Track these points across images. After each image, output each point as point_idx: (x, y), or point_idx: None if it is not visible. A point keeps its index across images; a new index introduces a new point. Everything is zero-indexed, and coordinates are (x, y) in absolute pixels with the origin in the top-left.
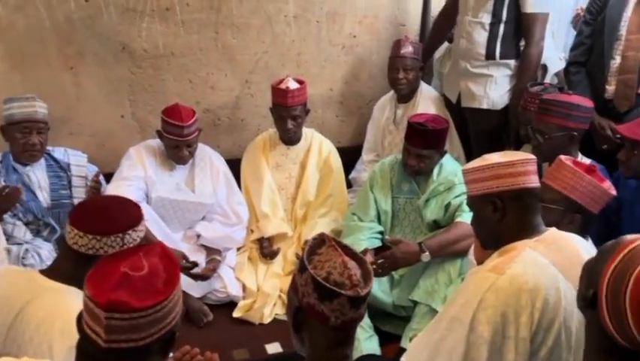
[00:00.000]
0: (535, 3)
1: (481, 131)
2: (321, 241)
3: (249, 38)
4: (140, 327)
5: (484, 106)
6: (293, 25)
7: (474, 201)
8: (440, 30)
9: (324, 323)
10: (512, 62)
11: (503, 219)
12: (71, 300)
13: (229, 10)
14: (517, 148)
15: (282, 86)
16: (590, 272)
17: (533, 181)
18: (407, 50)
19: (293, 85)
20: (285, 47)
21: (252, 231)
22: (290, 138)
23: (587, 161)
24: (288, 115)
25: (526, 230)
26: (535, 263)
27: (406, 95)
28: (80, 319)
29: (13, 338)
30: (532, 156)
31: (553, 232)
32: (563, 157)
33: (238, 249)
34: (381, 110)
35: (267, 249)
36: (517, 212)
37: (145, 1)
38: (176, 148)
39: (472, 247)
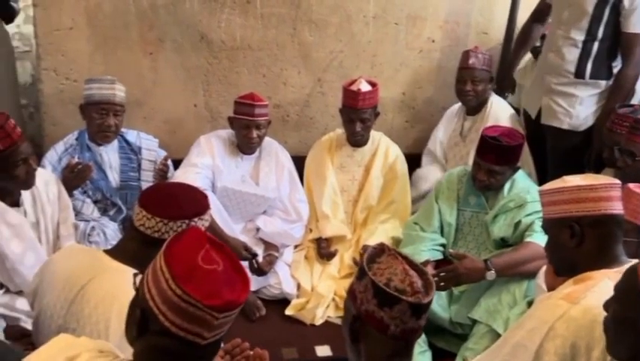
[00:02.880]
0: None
1: (560, 151)
2: (381, 250)
3: (326, 36)
4: (232, 320)
5: (566, 127)
6: (371, 26)
7: (550, 225)
8: (527, 40)
9: (384, 331)
10: (603, 83)
11: (581, 245)
12: (131, 281)
13: (309, 7)
14: (598, 171)
15: (354, 87)
16: None
17: (616, 208)
18: (476, 60)
19: (364, 87)
20: (360, 47)
21: (310, 230)
22: (357, 141)
23: None
24: (357, 117)
25: (605, 259)
26: None
27: (474, 108)
28: (146, 321)
29: (74, 313)
30: (617, 181)
31: (636, 264)
32: (631, 185)
33: (296, 246)
34: (449, 120)
35: (324, 249)
36: (597, 240)
37: None
38: (246, 129)
39: (542, 271)
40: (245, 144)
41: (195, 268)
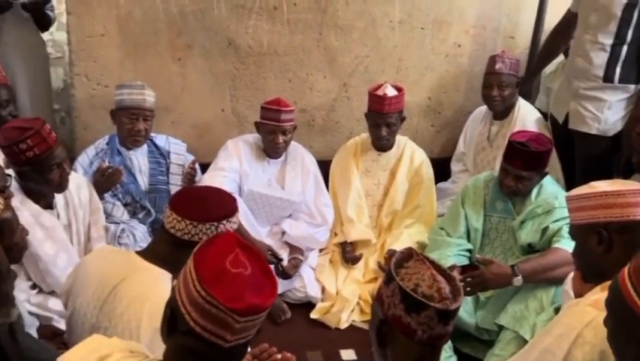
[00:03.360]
0: None
1: (588, 156)
2: (409, 255)
3: (352, 41)
4: (256, 326)
5: (594, 132)
6: (397, 31)
7: (577, 231)
8: (554, 45)
9: (410, 336)
10: (632, 87)
11: (609, 252)
12: (162, 283)
13: (335, 12)
14: (627, 177)
15: (379, 92)
16: None
17: None
18: (503, 65)
19: (390, 92)
20: (386, 51)
21: (335, 234)
22: (382, 145)
23: None
24: (382, 122)
25: None
26: None
27: (501, 112)
28: (175, 320)
29: (106, 312)
30: None
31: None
32: None
33: (320, 250)
34: (475, 124)
35: (349, 254)
36: (625, 246)
37: None
38: (273, 134)
39: (570, 277)
40: (271, 148)
41: (222, 271)
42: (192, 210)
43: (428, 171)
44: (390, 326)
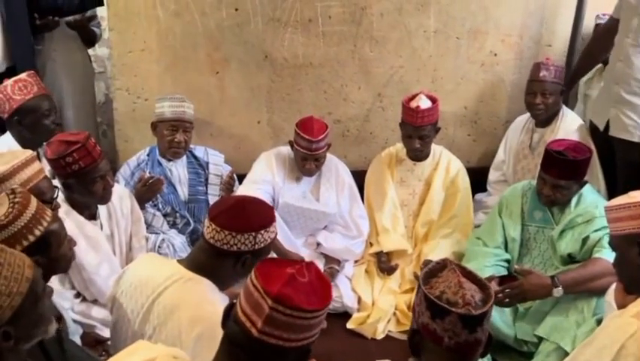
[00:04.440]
0: None
1: (630, 163)
2: (443, 265)
3: (386, 52)
4: (293, 328)
5: (636, 139)
6: (432, 41)
7: (617, 241)
8: (594, 52)
9: (439, 343)
10: None
11: None
12: (203, 291)
13: (369, 24)
14: None
15: (413, 104)
16: None
17: None
18: (547, 73)
19: (424, 104)
20: (421, 62)
21: (371, 244)
22: (416, 156)
23: None
24: (415, 134)
25: None
26: None
27: (544, 120)
28: (229, 308)
29: (149, 320)
30: None
31: None
32: None
33: (356, 261)
34: (517, 132)
35: (385, 264)
36: None
37: (290, 11)
38: (304, 160)
39: (612, 288)
40: (303, 172)
41: (282, 271)
42: (231, 221)
43: (464, 181)
44: (421, 334)
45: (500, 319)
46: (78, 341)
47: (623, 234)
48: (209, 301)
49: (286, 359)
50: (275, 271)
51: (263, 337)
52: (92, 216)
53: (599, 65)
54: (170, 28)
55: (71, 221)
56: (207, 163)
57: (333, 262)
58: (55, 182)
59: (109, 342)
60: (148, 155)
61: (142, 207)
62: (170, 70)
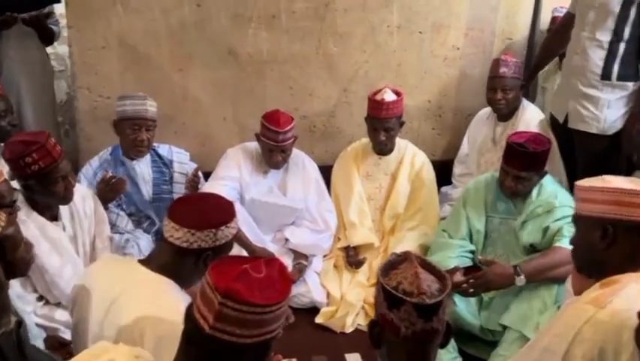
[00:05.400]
0: None
1: (589, 155)
2: (403, 258)
3: (351, 47)
4: (245, 323)
5: (594, 130)
6: (395, 36)
7: (582, 222)
8: (552, 46)
9: (396, 333)
10: (630, 85)
11: (609, 248)
12: (165, 291)
13: (333, 19)
14: (628, 175)
15: (378, 97)
16: None
17: None
18: (507, 69)
19: (388, 97)
20: (385, 57)
21: (339, 238)
22: (381, 149)
23: None
24: (381, 127)
25: (633, 265)
26: None
27: (506, 114)
28: (190, 306)
29: (110, 321)
30: None
31: None
32: None
33: (325, 255)
34: (480, 126)
35: (352, 258)
36: (628, 245)
37: (253, 7)
38: (271, 152)
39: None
40: (270, 164)
41: (236, 267)
42: (189, 218)
43: (430, 174)
44: (380, 325)
45: (466, 309)
46: (41, 345)
47: (589, 215)
48: (170, 301)
49: (243, 355)
50: (229, 267)
51: (215, 333)
52: (54, 217)
53: (557, 59)
54: (131, 25)
55: (33, 223)
56: (172, 161)
57: (302, 258)
58: (15, 183)
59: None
60: (111, 154)
61: (105, 208)
62: (132, 67)
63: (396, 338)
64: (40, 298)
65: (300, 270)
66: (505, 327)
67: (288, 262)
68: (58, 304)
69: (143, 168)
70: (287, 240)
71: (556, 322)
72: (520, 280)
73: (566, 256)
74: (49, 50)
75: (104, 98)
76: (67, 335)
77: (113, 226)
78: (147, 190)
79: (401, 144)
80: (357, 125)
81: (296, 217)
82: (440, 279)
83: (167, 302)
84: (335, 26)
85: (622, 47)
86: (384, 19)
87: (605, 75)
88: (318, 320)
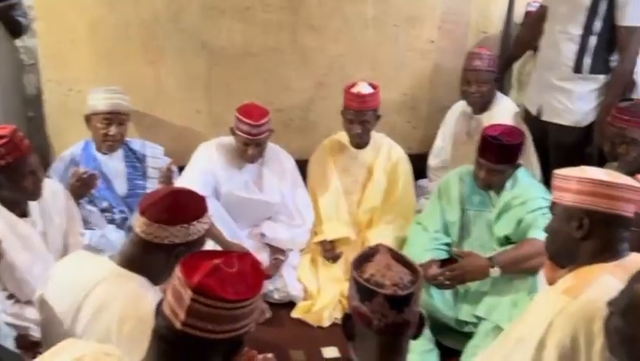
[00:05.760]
0: (634, 16)
1: (562, 147)
2: (376, 251)
3: (326, 40)
4: (217, 319)
5: (567, 122)
6: (371, 28)
7: (559, 210)
8: (525, 40)
9: (369, 325)
10: (601, 77)
11: (584, 239)
12: (134, 287)
13: (308, 12)
14: (600, 167)
15: (354, 90)
16: None
17: (629, 211)
18: (481, 62)
19: (365, 90)
20: (361, 49)
21: (315, 233)
22: (358, 143)
23: None
24: (357, 119)
25: (605, 255)
26: (613, 289)
27: (480, 107)
28: (161, 302)
29: (80, 319)
30: (638, 185)
31: (636, 257)
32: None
33: (301, 250)
34: (455, 119)
35: (329, 252)
36: (603, 237)
37: None
38: (246, 146)
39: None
40: (245, 158)
41: (207, 262)
42: (161, 213)
43: (406, 167)
44: (353, 318)
45: (441, 301)
46: (11, 344)
47: (566, 205)
48: (140, 297)
49: (215, 351)
50: (200, 262)
51: (187, 329)
52: (24, 213)
53: (529, 52)
54: (101, 17)
55: (2, 219)
56: (145, 156)
57: (278, 253)
58: None
59: None
60: (82, 149)
61: (77, 203)
62: (104, 60)
63: (368, 331)
64: (11, 296)
65: (277, 265)
66: (480, 318)
67: (264, 257)
68: (28, 303)
69: (115, 163)
70: (263, 235)
71: (530, 312)
72: (495, 271)
73: (539, 248)
74: (18, 43)
75: (74, 91)
76: (38, 334)
77: (86, 222)
78: (120, 186)
79: (377, 137)
80: (334, 118)
81: (272, 212)
82: (412, 271)
83: (137, 299)
84: (310, 19)
85: (593, 40)
86: (359, 11)
87: (577, 68)
88: (295, 314)
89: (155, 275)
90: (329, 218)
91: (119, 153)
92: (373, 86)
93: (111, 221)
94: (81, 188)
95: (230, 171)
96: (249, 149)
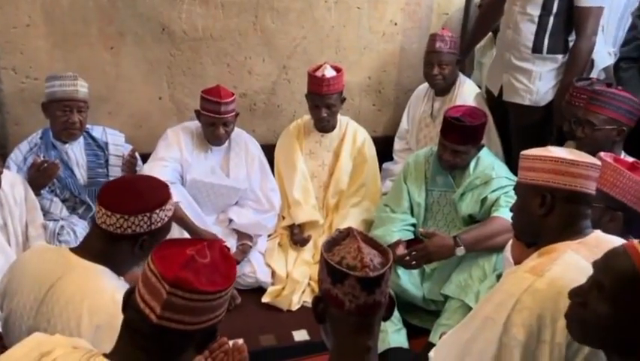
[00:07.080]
0: None
1: (523, 126)
2: (346, 234)
3: (289, 23)
4: (194, 311)
5: (527, 102)
6: (333, 11)
7: (523, 189)
8: (486, 21)
9: (340, 307)
10: (560, 57)
11: (548, 216)
12: (100, 279)
13: None
14: (560, 145)
15: (318, 73)
16: None
17: (591, 188)
18: (443, 44)
19: (329, 73)
20: (324, 32)
21: (283, 217)
22: (323, 126)
23: (630, 159)
24: (322, 103)
25: (568, 232)
26: (577, 266)
27: (443, 89)
28: (129, 294)
29: (44, 312)
30: (599, 163)
31: (597, 234)
32: (602, 154)
33: (269, 235)
34: (418, 102)
35: (297, 236)
36: (565, 214)
37: None
38: (213, 126)
39: (509, 244)
40: (212, 139)
41: (179, 253)
42: (121, 203)
43: (371, 150)
44: (324, 300)
45: (409, 280)
46: None
47: (531, 183)
48: (105, 289)
49: (190, 342)
50: (173, 254)
51: (163, 322)
52: None
53: (490, 34)
54: (56, 1)
55: None
56: (107, 143)
57: (246, 238)
58: None
59: None
60: (41, 138)
61: (37, 194)
62: (60, 46)
63: (340, 313)
64: None
65: (244, 250)
66: (447, 297)
67: (232, 242)
68: None
69: (76, 152)
70: (231, 220)
71: (497, 291)
72: (460, 250)
73: (503, 226)
74: None
75: (31, 79)
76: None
77: (47, 213)
78: (82, 174)
79: (342, 120)
80: (299, 102)
81: (239, 197)
82: (382, 253)
83: (102, 290)
84: (272, 1)
85: (551, 20)
86: None
87: (536, 48)
88: (265, 299)
89: (120, 266)
90: (296, 202)
91: (80, 141)
92: (337, 69)
93: (73, 211)
94: (41, 178)
95: (197, 157)
96: (216, 129)
